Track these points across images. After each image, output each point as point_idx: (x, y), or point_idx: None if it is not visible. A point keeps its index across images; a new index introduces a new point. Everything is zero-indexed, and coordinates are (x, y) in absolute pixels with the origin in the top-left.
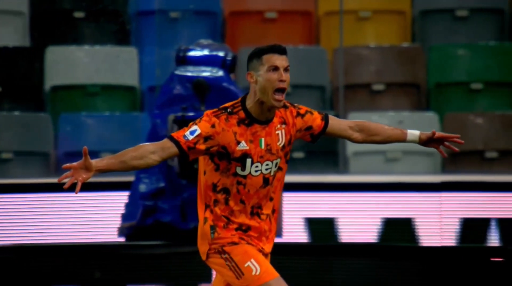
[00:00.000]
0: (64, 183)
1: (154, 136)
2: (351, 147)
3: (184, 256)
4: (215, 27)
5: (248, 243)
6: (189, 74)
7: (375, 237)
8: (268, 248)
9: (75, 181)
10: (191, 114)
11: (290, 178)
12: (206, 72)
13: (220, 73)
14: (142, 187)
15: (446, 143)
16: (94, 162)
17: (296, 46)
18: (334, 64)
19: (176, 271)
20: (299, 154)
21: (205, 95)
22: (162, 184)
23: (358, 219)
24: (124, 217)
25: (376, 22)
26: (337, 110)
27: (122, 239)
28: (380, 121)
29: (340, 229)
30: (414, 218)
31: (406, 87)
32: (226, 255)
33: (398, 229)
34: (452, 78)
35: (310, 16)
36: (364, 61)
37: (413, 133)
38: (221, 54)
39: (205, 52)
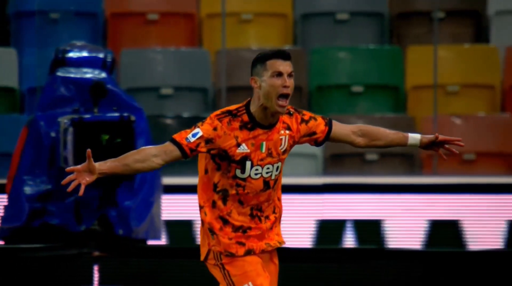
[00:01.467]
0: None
1: (36, 137)
2: None
3: (67, 259)
4: (97, 28)
5: (249, 250)
6: (72, 75)
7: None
8: (274, 242)
9: (79, 183)
10: (87, 116)
11: (169, 181)
12: (89, 74)
13: (103, 74)
14: (28, 190)
15: (446, 146)
16: (98, 165)
17: (178, 48)
18: (217, 66)
19: (58, 273)
20: None
21: (102, 97)
22: (49, 186)
23: None
24: (5, 219)
25: (258, 25)
26: None
27: (1, 242)
28: None
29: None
30: (295, 219)
31: None
32: (225, 271)
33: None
34: (333, 81)
35: (193, 18)
36: (247, 64)
37: (415, 136)
38: (101, 55)
39: (84, 53)
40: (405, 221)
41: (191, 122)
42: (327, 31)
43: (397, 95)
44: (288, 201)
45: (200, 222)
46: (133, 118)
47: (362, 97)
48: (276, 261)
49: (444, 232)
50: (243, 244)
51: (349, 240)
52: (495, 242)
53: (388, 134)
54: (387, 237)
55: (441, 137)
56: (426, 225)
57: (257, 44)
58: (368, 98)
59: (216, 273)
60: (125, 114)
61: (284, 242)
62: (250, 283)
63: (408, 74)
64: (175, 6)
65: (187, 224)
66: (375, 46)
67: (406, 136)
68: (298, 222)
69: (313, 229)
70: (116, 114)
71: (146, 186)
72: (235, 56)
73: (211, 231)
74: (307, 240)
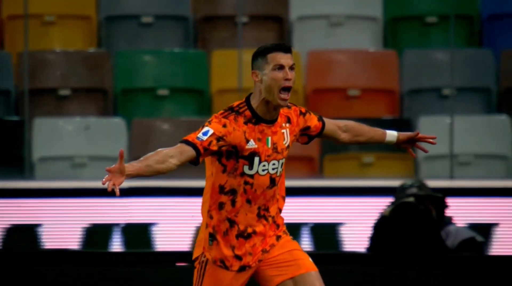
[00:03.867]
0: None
1: None
2: (37, 153)
3: None
4: None
5: (243, 266)
6: None
7: (80, 244)
8: (270, 243)
9: (113, 186)
10: None
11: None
12: None
13: None
14: None
15: (417, 143)
16: (125, 166)
17: None
18: (19, 69)
19: None
20: None
21: None
22: None
23: (62, 225)
24: None
25: (61, 27)
26: (23, 115)
27: None
28: (66, 127)
29: (43, 235)
30: (117, 223)
31: (93, 93)
32: (200, 280)
33: (104, 235)
34: (139, 84)
35: None
36: (50, 66)
37: (392, 133)
38: None
39: None
40: (176, 223)
41: None
42: (132, 34)
43: (202, 99)
44: (91, 204)
45: (201, 225)
46: None
47: (168, 101)
48: (277, 240)
49: None
50: (240, 259)
51: (117, 244)
52: None
53: (369, 130)
54: (157, 240)
55: (421, 135)
56: (193, 228)
57: (61, 46)
58: (173, 102)
59: (194, 276)
60: None
61: (283, 235)
62: None
63: (213, 78)
64: None
65: None
66: (180, 50)
67: (384, 133)
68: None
69: (82, 233)
70: None
71: None
72: (38, 58)
73: (213, 236)
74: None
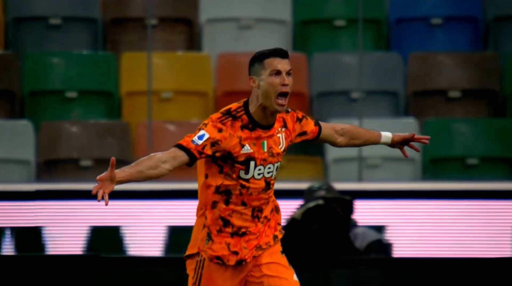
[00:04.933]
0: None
1: None
2: None
3: None
4: None
5: (240, 261)
6: None
7: None
8: (266, 241)
9: (103, 193)
10: None
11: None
12: None
13: None
14: None
15: (411, 143)
16: (116, 173)
17: None
18: None
19: None
20: None
21: None
22: None
23: None
24: None
25: None
26: None
27: None
28: None
29: None
30: (9, 226)
31: (0, 95)
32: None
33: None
34: (47, 86)
35: None
36: None
37: (387, 135)
38: None
39: None
40: (67, 227)
41: None
42: (40, 36)
43: (111, 101)
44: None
45: (196, 226)
46: None
47: (76, 103)
48: (274, 239)
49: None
50: (236, 254)
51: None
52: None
53: (365, 133)
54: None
55: (416, 136)
56: (87, 231)
57: None
58: (82, 104)
59: (189, 279)
60: None
61: (279, 235)
62: None
63: (123, 80)
64: None
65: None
66: (88, 52)
67: (379, 135)
68: None
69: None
70: None
71: None
72: None
73: (209, 236)
74: None
